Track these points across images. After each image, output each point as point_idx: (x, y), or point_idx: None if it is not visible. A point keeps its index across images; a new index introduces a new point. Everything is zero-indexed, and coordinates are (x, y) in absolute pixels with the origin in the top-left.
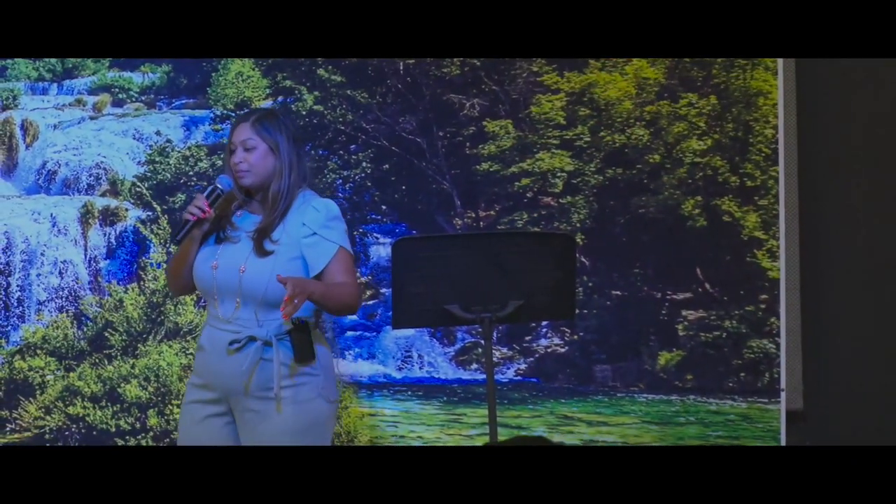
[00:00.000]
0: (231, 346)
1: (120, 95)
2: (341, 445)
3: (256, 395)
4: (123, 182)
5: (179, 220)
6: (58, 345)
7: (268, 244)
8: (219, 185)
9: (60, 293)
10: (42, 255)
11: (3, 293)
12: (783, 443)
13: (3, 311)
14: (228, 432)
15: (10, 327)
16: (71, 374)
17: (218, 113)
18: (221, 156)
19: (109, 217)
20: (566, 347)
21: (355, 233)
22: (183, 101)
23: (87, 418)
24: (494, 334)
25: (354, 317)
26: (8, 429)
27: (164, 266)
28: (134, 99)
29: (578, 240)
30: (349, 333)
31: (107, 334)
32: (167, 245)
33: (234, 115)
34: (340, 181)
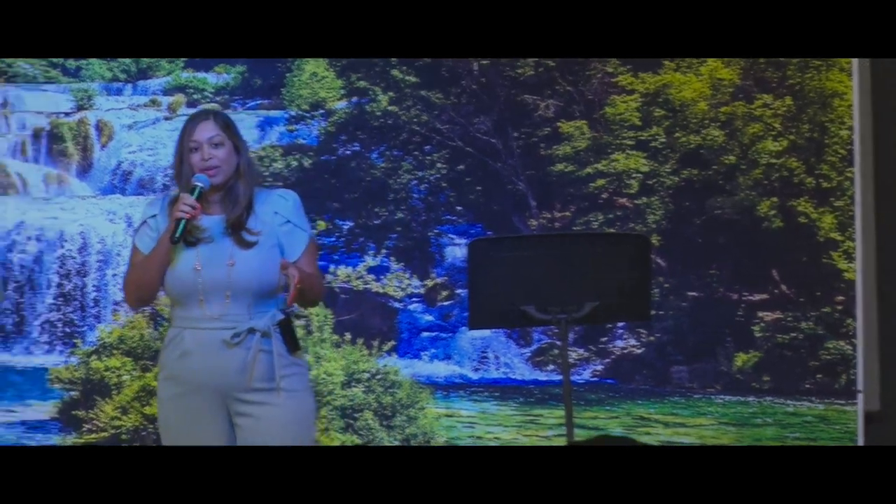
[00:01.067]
0: (233, 339)
1: (194, 96)
2: (419, 446)
3: (257, 387)
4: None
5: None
6: (134, 345)
7: (248, 236)
8: (199, 183)
9: None
10: (118, 255)
11: (80, 294)
12: (860, 444)
13: (79, 312)
14: (227, 434)
15: (86, 328)
16: (147, 374)
17: (293, 114)
18: (296, 156)
19: None
20: (642, 349)
21: (430, 234)
22: (257, 102)
23: None
24: (570, 335)
25: (430, 317)
26: (85, 429)
27: (126, 279)
28: (208, 99)
29: (654, 241)
30: (425, 334)
31: None
32: None
33: (308, 115)
34: (415, 182)
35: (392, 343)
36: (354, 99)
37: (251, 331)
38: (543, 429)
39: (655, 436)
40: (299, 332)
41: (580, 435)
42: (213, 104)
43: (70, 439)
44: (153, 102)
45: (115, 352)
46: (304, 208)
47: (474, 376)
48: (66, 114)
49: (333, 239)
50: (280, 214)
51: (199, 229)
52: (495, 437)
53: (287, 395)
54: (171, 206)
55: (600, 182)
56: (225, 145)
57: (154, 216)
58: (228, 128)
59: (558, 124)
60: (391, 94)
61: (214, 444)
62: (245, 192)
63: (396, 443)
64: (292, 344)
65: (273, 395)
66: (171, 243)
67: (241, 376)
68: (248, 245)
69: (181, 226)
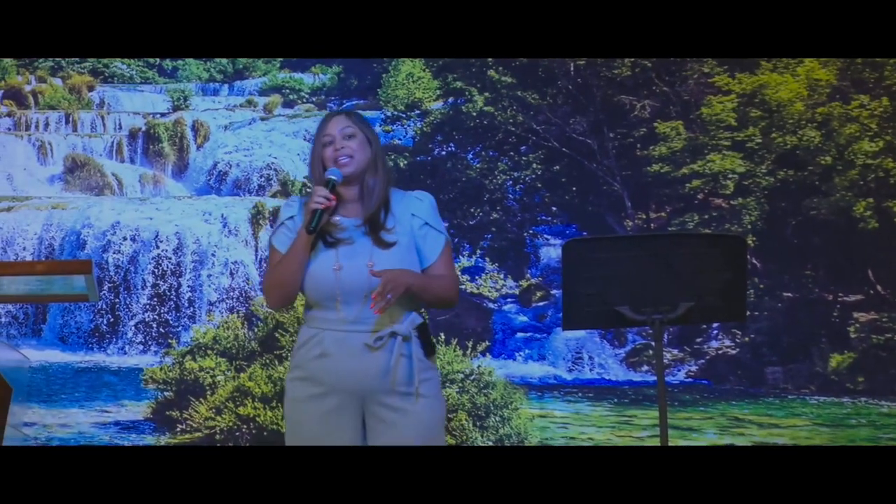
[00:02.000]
0: (376, 343)
1: (290, 96)
2: (513, 446)
3: (398, 390)
4: (294, 183)
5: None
6: (228, 345)
7: (386, 235)
8: (332, 177)
9: (231, 294)
10: (213, 255)
11: (175, 294)
12: None
13: (174, 312)
14: (359, 437)
15: (180, 328)
16: (241, 375)
17: (389, 114)
18: (392, 156)
19: None
20: (737, 349)
21: (525, 234)
22: (353, 102)
23: (257, 419)
24: (665, 336)
25: (525, 318)
26: (178, 429)
27: (266, 280)
28: (304, 100)
29: (749, 241)
30: (519, 335)
31: (277, 335)
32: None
33: (404, 115)
34: (511, 182)
35: (486, 344)
36: (450, 99)
37: (393, 334)
38: (637, 429)
39: (749, 437)
40: None
41: (674, 435)
42: (309, 104)
43: (163, 440)
44: (249, 103)
45: (209, 352)
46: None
47: (568, 377)
48: (163, 114)
49: None
50: (417, 217)
51: (337, 227)
52: (589, 438)
53: (423, 400)
54: (308, 206)
55: (696, 183)
56: (357, 137)
57: (292, 217)
58: (361, 121)
59: (654, 125)
60: (487, 94)
61: (344, 445)
62: (380, 187)
63: (490, 443)
64: (429, 348)
65: (411, 400)
66: (308, 233)
67: (382, 380)
68: (387, 245)
69: (317, 216)
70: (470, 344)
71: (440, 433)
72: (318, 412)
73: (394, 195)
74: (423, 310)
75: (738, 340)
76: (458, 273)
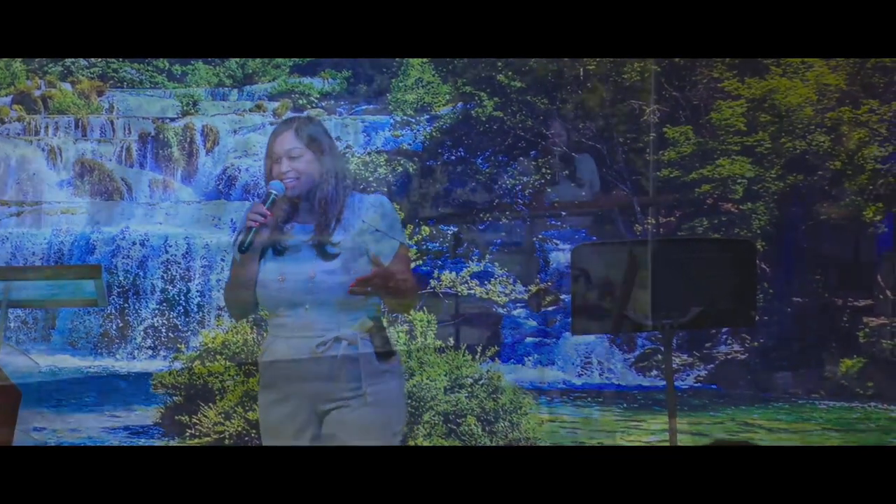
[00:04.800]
0: (318, 348)
1: (300, 101)
2: (523, 446)
3: (344, 395)
4: None
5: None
6: (237, 350)
7: (330, 248)
8: (273, 190)
9: None
10: (222, 260)
11: (183, 299)
12: None
13: (183, 317)
14: (318, 440)
15: (190, 333)
16: (251, 380)
17: (398, 119)
18: (401, 161)
19: None
20: (746, 354)
21: (535, 239)
22: (363, 107)
23: None
24: (674, 341)
25: (534, 322)
26: (187, 434)
27: (224, 292)
28: (314, 104)
29: (759, 246)
30: (529, 340)
31: None
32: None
33: (414, 120)
34: (520, 187)
35: (495, 348)
36: (460, 104)
37: (337, 339)
38: (646, 434)
39: (758, 442)
40: (402, 338)
41: (683, 441)
42: (318, 109)
43: (173, 444)
44: (259, 107)
45: (218, 357)
46: (397, 213)
47: (578, 382)
48: (172, 119)
49: (437, 244)
50: (367, 223)
51: (287, 236)
52: (598, 443)
53: (373, 401)
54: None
55: (705, 187)
56: (304, 157)
57: None
58: (312, 139)
59: (664, 129)
60: (497, 99)
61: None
62: (330, 201)
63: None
64: (382, 351)
65: (359, 401)
66: (240, 252)
67: (329, 384)
68: (330, 257)
69: (250, 235)
70: (479, 348)
71: (391, 436)
72: (277, 417)
73: (350, 201)
74: (379, 313)
75: (747, 345)
76: (468, 277)
